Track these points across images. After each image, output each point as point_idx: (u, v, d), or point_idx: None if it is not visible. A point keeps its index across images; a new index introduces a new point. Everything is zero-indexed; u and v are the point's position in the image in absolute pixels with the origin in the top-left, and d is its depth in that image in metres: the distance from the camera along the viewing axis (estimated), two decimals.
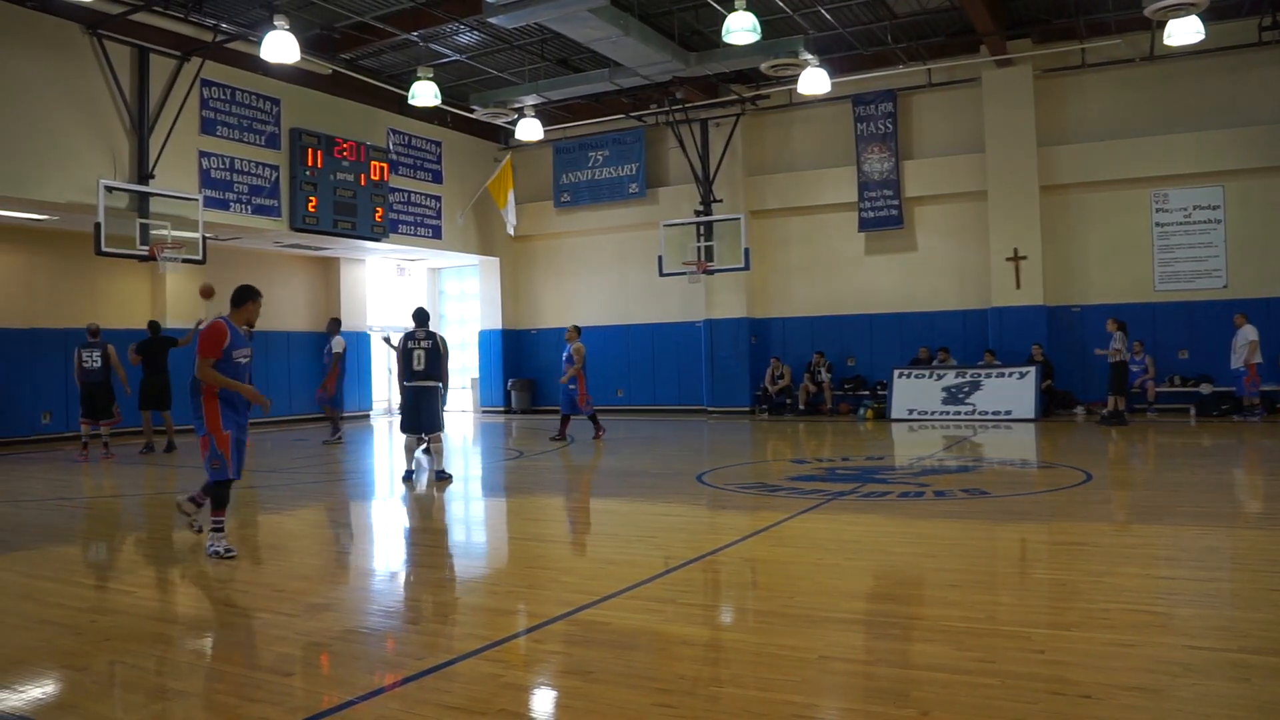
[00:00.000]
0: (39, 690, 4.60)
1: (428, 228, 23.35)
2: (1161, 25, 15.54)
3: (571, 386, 16.57)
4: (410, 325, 11.90)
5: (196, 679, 4.72)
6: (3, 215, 16.95)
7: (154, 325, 16.48)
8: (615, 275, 24.68)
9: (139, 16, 16.10)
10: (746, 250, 21.43)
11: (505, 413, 25.33)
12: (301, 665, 4.91)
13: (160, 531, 9.30)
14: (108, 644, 5.26)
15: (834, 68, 18.86)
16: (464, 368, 27.14)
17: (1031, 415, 18.35)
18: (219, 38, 17.17)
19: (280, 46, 15.01)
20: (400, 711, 4.10)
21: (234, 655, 5.04)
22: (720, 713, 3.97)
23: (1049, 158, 19.73)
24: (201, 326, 8.64)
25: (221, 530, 7.43)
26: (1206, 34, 15.31)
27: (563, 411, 17.02)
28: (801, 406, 21.64)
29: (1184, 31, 15.05)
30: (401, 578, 7.16)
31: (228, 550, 7.33)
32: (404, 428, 12.00)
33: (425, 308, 12.17)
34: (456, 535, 9.22)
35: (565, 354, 16.61)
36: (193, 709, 4.23)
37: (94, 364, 15.06)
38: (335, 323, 18.33)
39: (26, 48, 15.47)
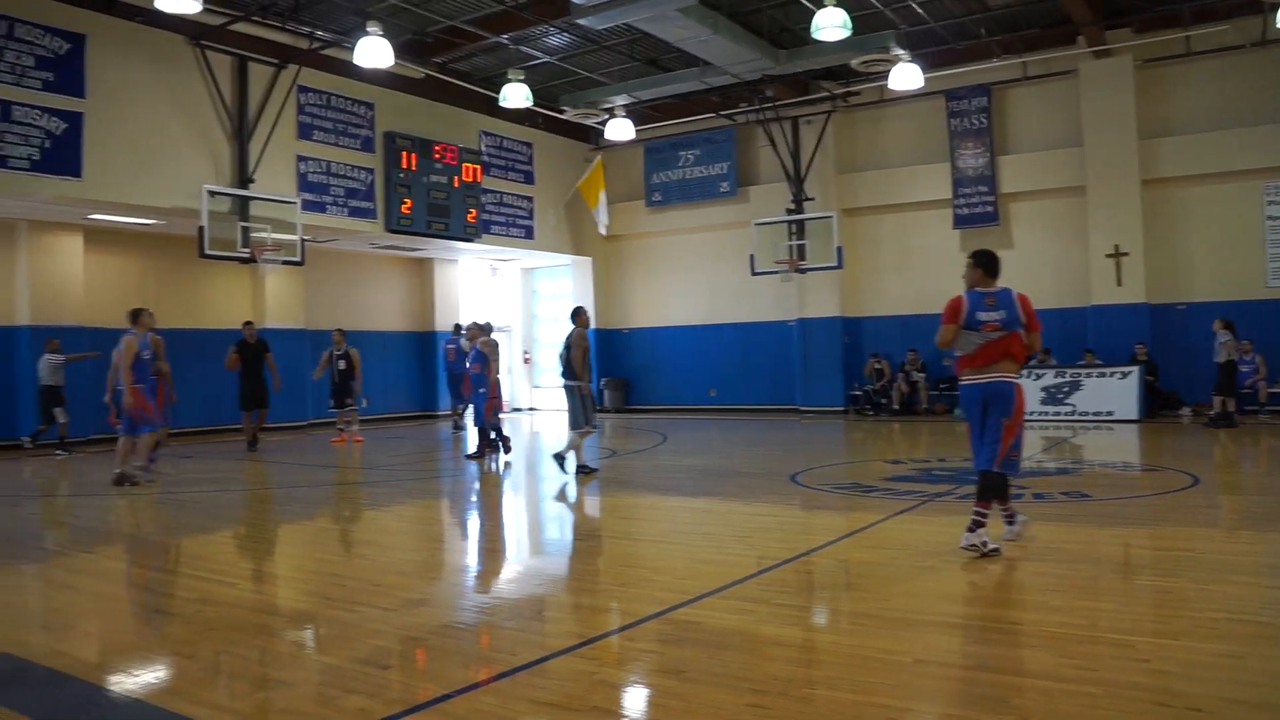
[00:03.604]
0: (151, 675, 4.78)
1: (520, 228, 23.60)
2: (1274, 8, 14.98)
3: (482, 390, 14.33)
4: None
5: (297, 669, 4.84)
6: (115, 220, 17.67)
7: (249, 325, 16.94)
8: (707, 274, 24.65)
9: (239, 26, 16.62)
10: (839, 248, 21.23)
11: (598, 412, 25.40)
12: (398, 659, 5.01)
13: (263, 525, 9.56)
14: (214, 633, 5.44)
15: (926, 62, 18.56)
16: (557, 367, 27.34)
17: (1134, 416, 17.85)
18: (315, 45, 17.60)
19: (374, 52, 15.30)
20: (494, 706, 4.16)
21: (333, 647, 5.15)
22: (814, 715, 3.95)
23: (1151, 150, 19.13)
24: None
25: (983, 525, 6.72)
26: None
27: (478, 424, 14.74)
28: (896, 406, 21.37)
29: None
30: (496, 574, 7.24)
31: (992, 547, 6.69)
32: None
33: (578, 306, 12.67)
34: (550, 533, 9.30)
35: (471, 355, 14.53)
36: (294, 698, 4.33)
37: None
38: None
39: (136, 61, 16.10)
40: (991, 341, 6.81)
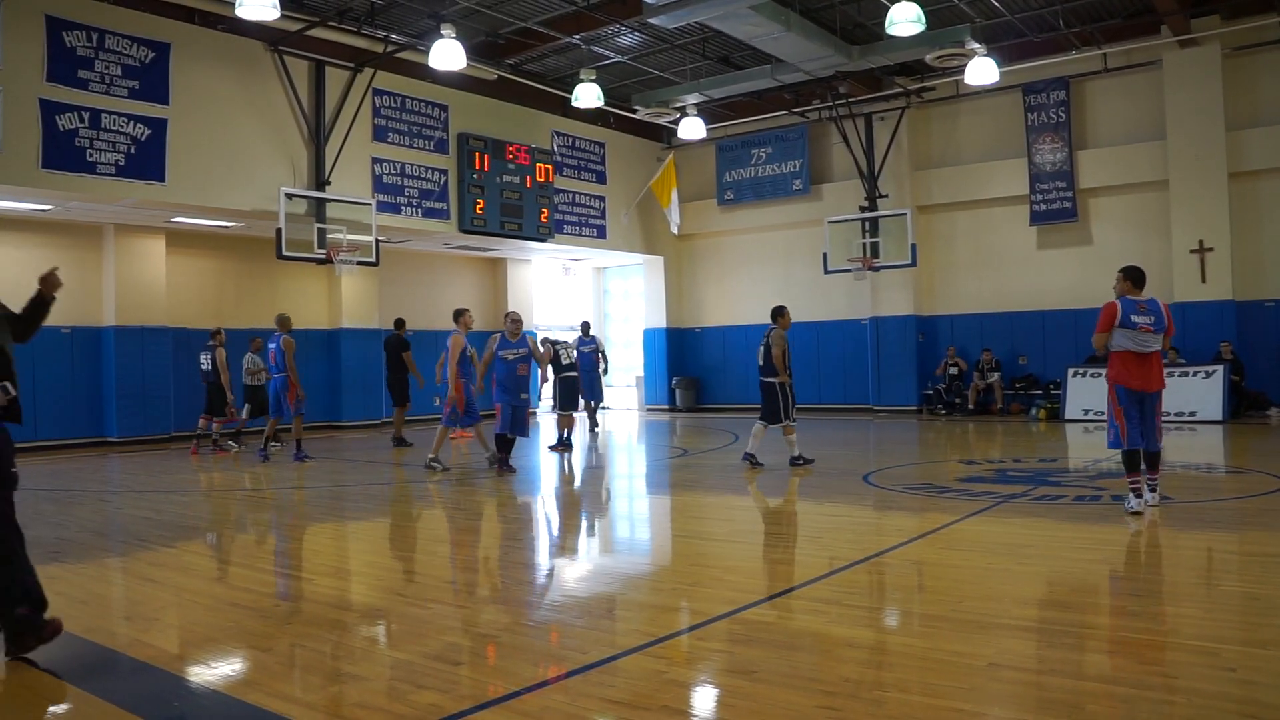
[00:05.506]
0: (228, 667, 4.89)
1: (592, 228, 23.70)
2: None
3: (524, 395, 12.72)
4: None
5: (370, 664, 4.91)
6: (196, 223, 18.13)
7: (399, 323, 17.35)
8: (779, 273, 24.52)
9: (316, 32, 16.91)
10: (913, 246, 21.00)
11: (669, 411, 25.48)
12: (469, 655, 5.06)
13: (343, 521, 9.72)
14: (289, 627, 5.56)
15: (1002, 56, 18.26)
16: (628, 366, 27.44)
17: (1219, 417, 17.35)
18: (389, 48, 17.83)
19: (447, 54, 15.47)
20: (564, 704, 4.17)
21: (405, 643, 5.23)
22: (885, 718, 3.90)
23: (1239, 142, 18.55)
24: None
25: (1137, 492, 8.21)
26: None
27: (512, 433, 12.76)
28: (971, 406, 21.07)
29: None
30: (567, 572, 7.28)
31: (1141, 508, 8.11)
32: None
33: (779, 305, 12.77)
34: (621, 532, 9.32)
35: (518, 349, 12.61)
36: (366, 692, 4.40)
37: (207, 365, 16.37)
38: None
39: (217, 68, 16.51)
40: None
